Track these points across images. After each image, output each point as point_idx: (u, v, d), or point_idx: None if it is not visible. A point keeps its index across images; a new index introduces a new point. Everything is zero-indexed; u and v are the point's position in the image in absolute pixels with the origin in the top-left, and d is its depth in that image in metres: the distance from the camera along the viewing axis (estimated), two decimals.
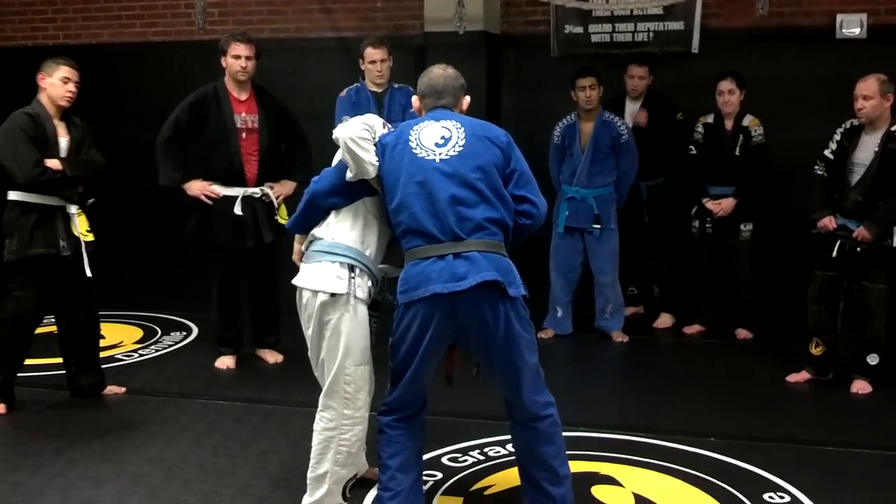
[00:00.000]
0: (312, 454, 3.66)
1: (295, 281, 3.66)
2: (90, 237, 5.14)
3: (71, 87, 5.03)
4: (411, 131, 3.52)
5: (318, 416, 3.66)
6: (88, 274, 5.11)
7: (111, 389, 5.40)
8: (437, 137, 3.48)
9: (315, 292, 3.55)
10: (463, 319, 3.38)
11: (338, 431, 3.60)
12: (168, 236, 7.58)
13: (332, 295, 3.51)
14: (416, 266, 3.38)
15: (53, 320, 5.27)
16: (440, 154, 3.45)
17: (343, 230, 3.60)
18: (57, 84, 5.00)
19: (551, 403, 3.58)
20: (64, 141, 5.07)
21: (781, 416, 5.06)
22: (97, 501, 3.97)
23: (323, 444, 3.63)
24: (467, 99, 3.72)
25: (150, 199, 7.45)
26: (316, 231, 3.66)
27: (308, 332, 3.64)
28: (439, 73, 3.68)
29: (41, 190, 4.93)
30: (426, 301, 3.34)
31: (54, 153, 4.98)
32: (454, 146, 3.46)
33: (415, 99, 3.75)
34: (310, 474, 3.68)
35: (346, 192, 3.60)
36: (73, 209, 5.07)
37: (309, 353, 3.70)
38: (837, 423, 4.96)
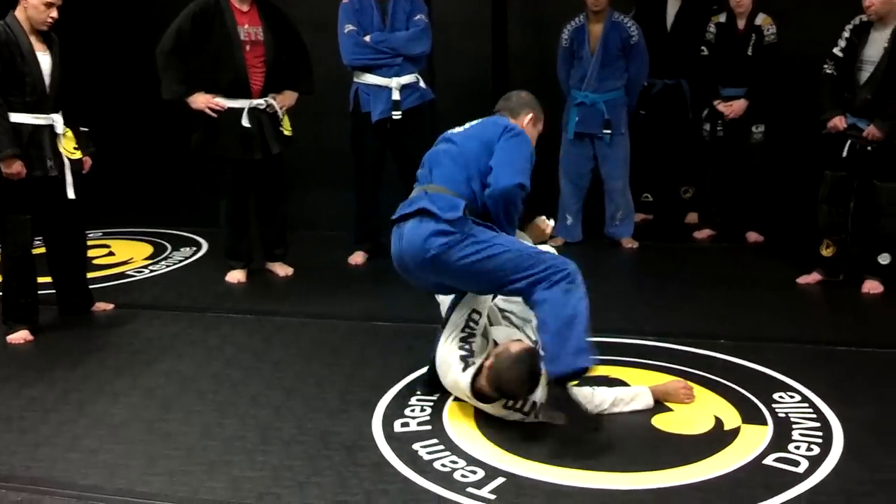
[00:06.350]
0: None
1: None
2: (77, 155, 5.02)
3: (54, 12, 4.79)
4: None
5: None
6: (71, 196, 4.98)
7: (99, 307, 5.39)
8: None
9: None
10: None
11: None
12: (173, 151, 7.53)
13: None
14: None
15: (41, 241, 5.18)
16: None
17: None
18: (40, 8, 4.75)
19: None
20: (45, 59, 4.84)
21: (792, 317, 5.05)
22: (112, 415, 4.02)
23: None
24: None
25: (155, 113, 7.37)
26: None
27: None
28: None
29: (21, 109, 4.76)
30: None
31: (34, 70, 4.79)
32: None
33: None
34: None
35: None
36: (60, 128, 4.92)
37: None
38: (848, 323, 4.96)
